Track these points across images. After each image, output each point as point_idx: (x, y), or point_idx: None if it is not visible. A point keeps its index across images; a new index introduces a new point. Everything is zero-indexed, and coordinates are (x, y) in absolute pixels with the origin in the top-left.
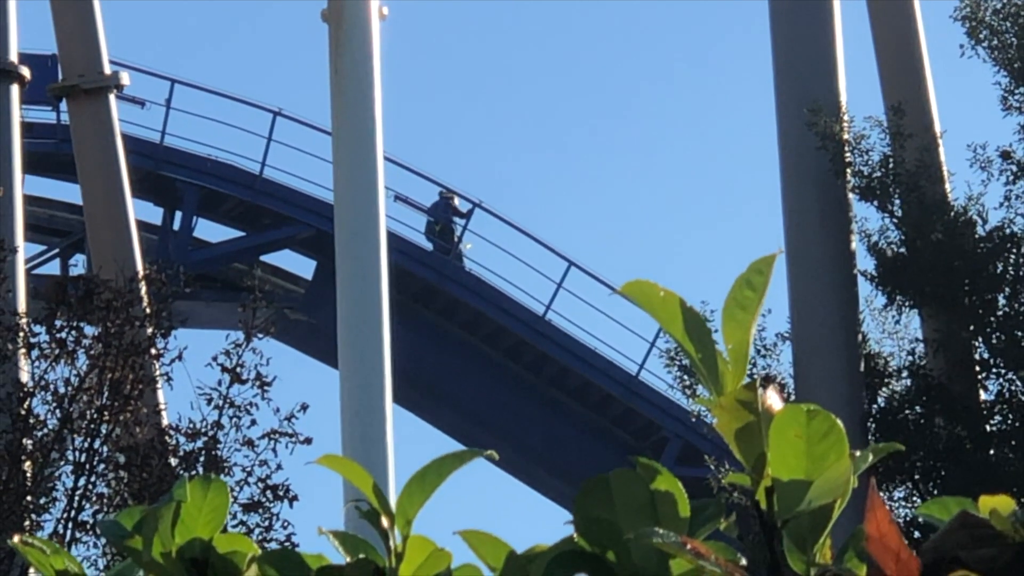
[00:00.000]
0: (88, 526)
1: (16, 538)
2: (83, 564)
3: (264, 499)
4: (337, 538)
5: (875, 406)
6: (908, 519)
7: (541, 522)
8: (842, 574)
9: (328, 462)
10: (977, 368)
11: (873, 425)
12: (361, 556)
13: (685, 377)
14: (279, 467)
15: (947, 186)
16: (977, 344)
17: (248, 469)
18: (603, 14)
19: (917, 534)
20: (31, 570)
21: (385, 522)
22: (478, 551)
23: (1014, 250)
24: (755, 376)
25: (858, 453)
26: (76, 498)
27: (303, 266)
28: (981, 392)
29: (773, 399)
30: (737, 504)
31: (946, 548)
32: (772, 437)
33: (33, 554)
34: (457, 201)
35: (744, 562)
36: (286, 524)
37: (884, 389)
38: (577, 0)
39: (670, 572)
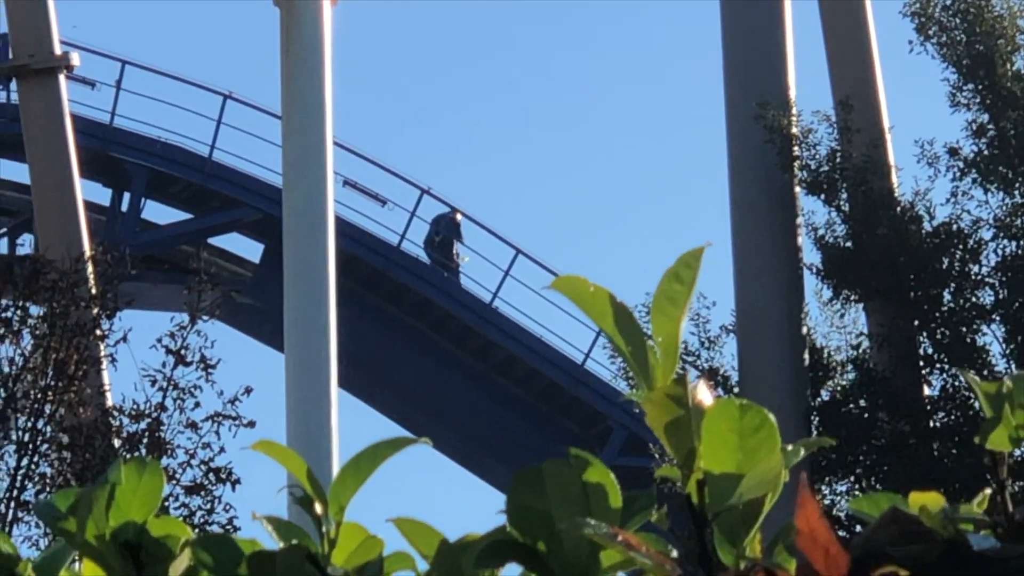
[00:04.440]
0: (30, 506)
1: None
2: (25, 544)
3: (207, 482)
4: (271, 524)
5: (819, 400)
6: (849, 514)
7: (484, 509)
8: (771, 568)
9: (263, 447)
10: (921, 364)
11: (817, 419)
12: (294, 542)
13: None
14: (222, 450)
15: (894, 181)
16: (922, 339)
17: (191, 451)
18: (554, 11)
19: (858, 528)
20: None
21: (319, 508)
22: (411, 539)
23: (960, 246)
24: (700, 368)
25: (790, 447)
26: (19, 478)
27: (251, 249)
28: (925, 388)
29: (703, 393)
30: (674, 495)
31: (875, 544)
32: (704, 431)
33: None
34: (459, 217)
35: (675, 554)
36: (228, 507)
37: (828, 383)
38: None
39: (600, 563)
